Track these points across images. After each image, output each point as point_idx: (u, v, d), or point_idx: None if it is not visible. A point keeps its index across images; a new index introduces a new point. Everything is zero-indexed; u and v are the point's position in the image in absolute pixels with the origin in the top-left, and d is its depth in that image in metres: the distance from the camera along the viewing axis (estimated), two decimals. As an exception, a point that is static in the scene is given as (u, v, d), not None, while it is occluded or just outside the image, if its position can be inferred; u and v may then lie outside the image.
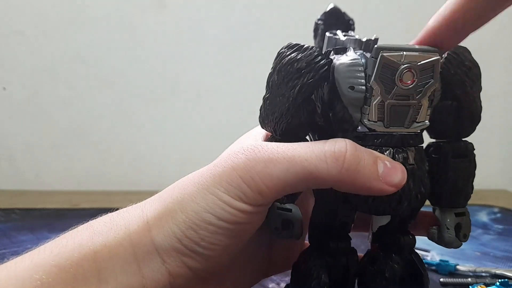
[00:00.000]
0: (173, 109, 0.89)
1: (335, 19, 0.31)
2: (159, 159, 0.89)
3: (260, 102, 0.26)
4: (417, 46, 0.23)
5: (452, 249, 0.27)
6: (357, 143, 0.24)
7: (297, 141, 0.25)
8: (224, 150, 0.27)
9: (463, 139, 0.27)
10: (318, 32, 0.31)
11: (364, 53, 0.24)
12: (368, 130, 0.24)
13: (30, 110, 0.87)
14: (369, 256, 0.28)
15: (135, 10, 0.87)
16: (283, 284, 0.41)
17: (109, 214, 0.26)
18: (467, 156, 0.26)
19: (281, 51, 0.25)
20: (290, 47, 0.25)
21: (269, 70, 0.26)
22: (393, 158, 0.24)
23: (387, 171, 0.23)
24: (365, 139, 0.24)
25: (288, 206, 0.26)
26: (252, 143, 0.24)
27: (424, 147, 0.26)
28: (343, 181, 0.23)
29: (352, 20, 0.31)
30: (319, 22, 0.31)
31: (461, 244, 0.27)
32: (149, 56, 0.88)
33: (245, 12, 0.88)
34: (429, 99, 0.24)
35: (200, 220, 0.23)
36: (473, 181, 0.26)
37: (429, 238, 0.28)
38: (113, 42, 0.87)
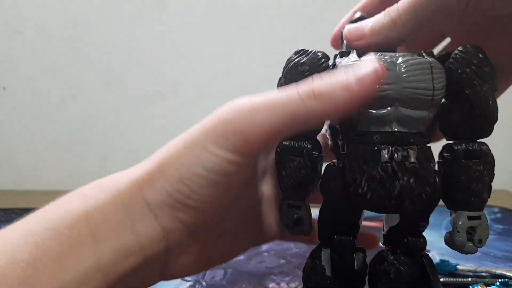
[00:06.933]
0: (173, 109, 0.89)
1: None
2: (159, 159, 0.89)
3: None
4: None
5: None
6: (358, 141, 0.25)
7: (307, 140, 0.26)
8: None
9: (479, 140, 0.26)
10: (344, 42, 0.31)
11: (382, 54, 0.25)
12: (367, 129, 0.24)
13: (30, 110, 0.87)
14: (379, 256, 0.28)
15: (135, 10, 0.87)
16: (283, 284, 0.41)
17: (98, 180, 0.26)
18: (481, 158, 0.25)
19: (289, 57, 0.27)
20: (296, 52, 0.27)
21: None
22: (392, 156, 0.24)
23: (357, 73, 0.23)
24: (365, 137, 0.25)
25: (298, 203, 0.27)
26: (232, 101, 0.25)
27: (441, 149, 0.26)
28: (326, 111, 0.23)
29: None
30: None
31: (476, 250, 0.25)
32: (149, 56, 0.88)
33: (245, 12, 0.88)
34: None
35: (190, 173, 0.24)
36: (489, 183, 0.25)
37: (445, 243, 0.27)
38: (113, 41, 0.87)
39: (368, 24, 0.27)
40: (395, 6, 0.27)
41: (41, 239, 0.22)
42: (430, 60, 0.24)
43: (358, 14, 0.32)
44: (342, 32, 0.31)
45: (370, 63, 0.23)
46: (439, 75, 0.24)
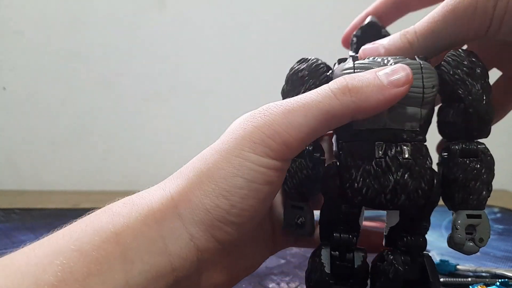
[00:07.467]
0: (173, 109, 0.89)
1: (373, 32, 0.32)
2: (159, 159, 0.89)
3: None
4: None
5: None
6: (353, 139, 0.26)
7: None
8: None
9: (477, 140, 0.26)
10: (354, 47, 0.33)
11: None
12: (362, 127, 0.25)
13: (30, 110, 0.87)
14: (380, 256, 0.28)
15: (135, 10, 0.87)
16: (283, 284, 0.41)
17: (127, 197, 0.25)
18: (478, 156, 0.26)
19: (292, 66, 0.29)
20: (298, 61, 0.29)
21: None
22: (385, 152, 0.25)
23: (389, 76, 0.24)
24: (360, 135, 0.26)
25: (301, 204, 0.28)
26: (262, 107, 0.25)
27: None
28: (359, 107, 0.24)
29: (388, 35, 0.32)
30: (354, 38, 0.33)
31: (478, 250, 0.25)
32: (149, 56, 0.88)
33: (245, 12, 0.88)
34: None
35: (230, 186, 0.23)
36: (488, 182, 0.26)
37: (447, 245, 0.27)
38: (113, 42, 0.87)
39: (384, 45, 0.27)
40: (412, 28, 0.26)
41: (67, 261, 0.21)
42: (421, 62, 0.25)
43: (369, 18, 0.33)
44: (353, 34, 0.33)
45: (401, 69, 0.24)
46: (429, 75, 0.25)
